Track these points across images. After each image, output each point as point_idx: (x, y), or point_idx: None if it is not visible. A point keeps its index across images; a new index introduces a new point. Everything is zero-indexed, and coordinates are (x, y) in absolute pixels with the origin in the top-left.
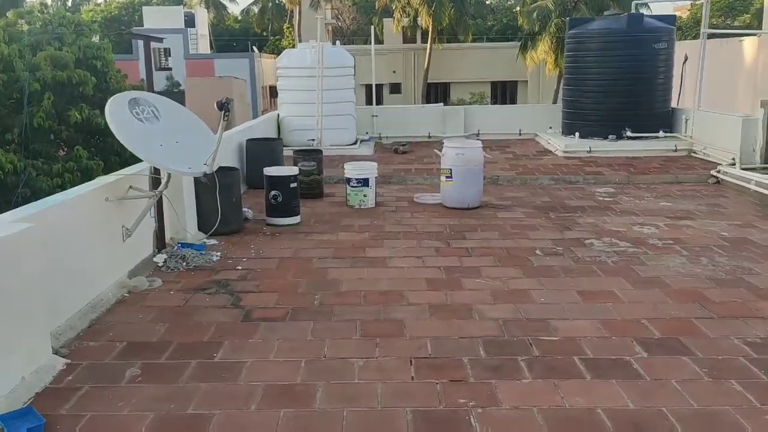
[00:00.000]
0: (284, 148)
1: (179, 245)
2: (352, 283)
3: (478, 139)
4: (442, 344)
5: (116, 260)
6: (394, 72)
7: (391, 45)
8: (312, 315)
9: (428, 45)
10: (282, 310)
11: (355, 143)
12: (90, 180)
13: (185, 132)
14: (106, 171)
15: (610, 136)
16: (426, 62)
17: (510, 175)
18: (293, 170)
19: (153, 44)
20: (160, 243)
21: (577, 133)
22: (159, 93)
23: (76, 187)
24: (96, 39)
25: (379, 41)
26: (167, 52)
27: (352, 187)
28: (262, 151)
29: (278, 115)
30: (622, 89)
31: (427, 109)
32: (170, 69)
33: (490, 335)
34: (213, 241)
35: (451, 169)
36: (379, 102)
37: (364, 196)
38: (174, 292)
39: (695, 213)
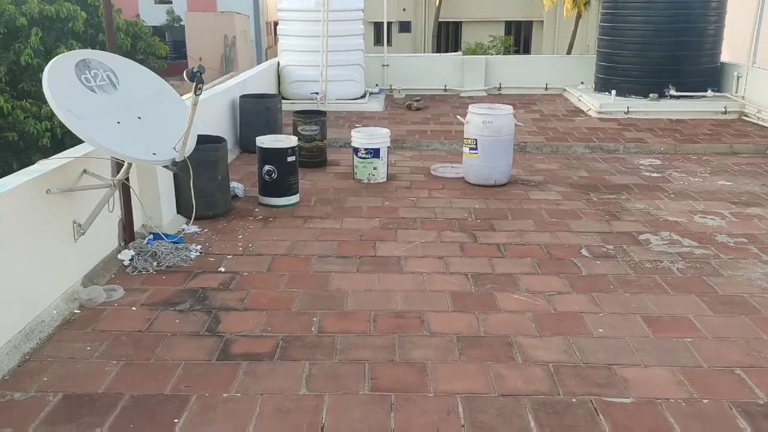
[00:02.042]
0: (285, 101)
1: (150, 238)
2: (359, 298)
3: (498, 92)
4: (479, 407)
5: (65, 266)
6: (404, 10)
7: None
8: (308, 350)
9: None
10: (270, 342)
11: (363, 97)
12: None
13: (151, 103)
14: None
15: (651, 95)
16: None
17: (539, 141)
18: (291, 140)
19: None
20: (127, 235)
21: (613, 91)
22: (158, 28)
23: (2, 179)
24: None
25: None
26: None
27: (360, 158)
28: (258, 110)
29: (278, 63)
30: (667, 41)
31: (444, 58)
32: (170, 2)
33: (540, 392)
34: (194, 228)
35: (476, 140)
36: (387, 41)
37: (374, 169)
38: (137, 307)
39: (763, 197)
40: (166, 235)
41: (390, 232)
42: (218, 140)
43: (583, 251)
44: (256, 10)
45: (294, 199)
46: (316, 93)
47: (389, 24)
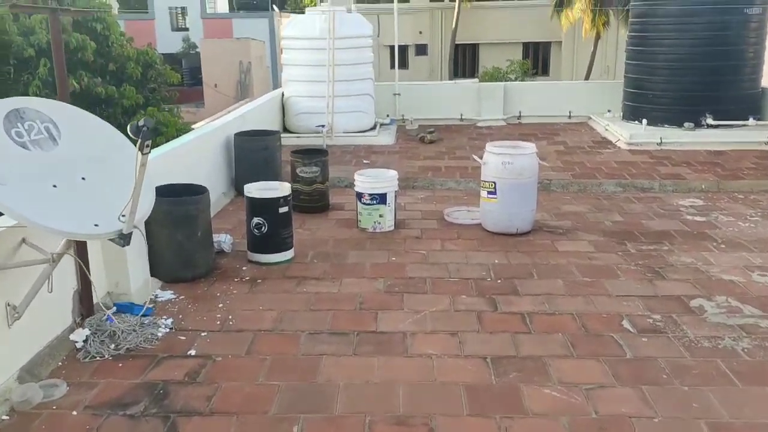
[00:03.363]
0: (290, 135)
1: (113, 311)
2: (353, 394)
3: (518, 121)
4: None
5: None
6: (420, 33)
7: (418, 3)
8: None
9: (456, 3)
10: None
11: (373, 129)
12: None
13: (100, 160)
14: None
15: (686, 124)
16: (454, 22)
17: (565, 178)
18: (284, 188)
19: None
20: (85, 308)
21: (644, 120)
22: (175, 55)
23: None
24: None
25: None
26: (184, 11)
27: (364, 204)
28: (254, 149)
29: (282, 94)
30: (702, 65)
31: (460, 86)
32: (187, 29)
33: None
34: (168, 295)
35: (494, 183)
36: (403, 64)
37: (380, 216)
38: (79, 411)
39: None
40: (133, 306)
41: (395, 298)
42: (199, 190)
43: (625, 323)
44: (272, 35)
45: (287, 255)
46: (322, 126)
47: (405, 48)
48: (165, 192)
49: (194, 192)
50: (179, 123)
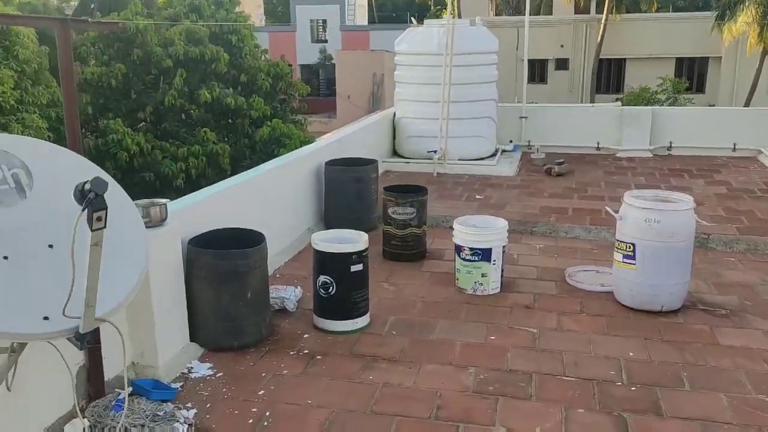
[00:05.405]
0: (399, 161)
1: (119, 399)
2: None
3: (668, 152)
4: None
5: None
6: (561, 46)
7: (561, 15)
8: None
9: (603, 15)
10: None
11: (493, 156)
12: (217, 165)
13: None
14: (233, 155)
15: None
16: (600, 35)
17: (728, 233)
18: (360, 239)
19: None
20: (94, 388)
21: None
22: (311, 66)
23: None
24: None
25: (548, 11)
26: (324, 24)
27: (463, 260)
28: (345, 180)
29: (394, 114)
30: None
31: (598, 110)
32: (326, 41)
33: None
34: (204, 369)
35: (633, 245)
36: (542, 79)
37: (483, 276)
38: None
39: None
40: (153, 388)
41: (486, 404)
42: (255, 240)
43: None
44: None
45: (359, 323)
46: (434, 151)
47: (545, 62)
48: (215, 240)
49: (248, 242)
50: (303, 135)
